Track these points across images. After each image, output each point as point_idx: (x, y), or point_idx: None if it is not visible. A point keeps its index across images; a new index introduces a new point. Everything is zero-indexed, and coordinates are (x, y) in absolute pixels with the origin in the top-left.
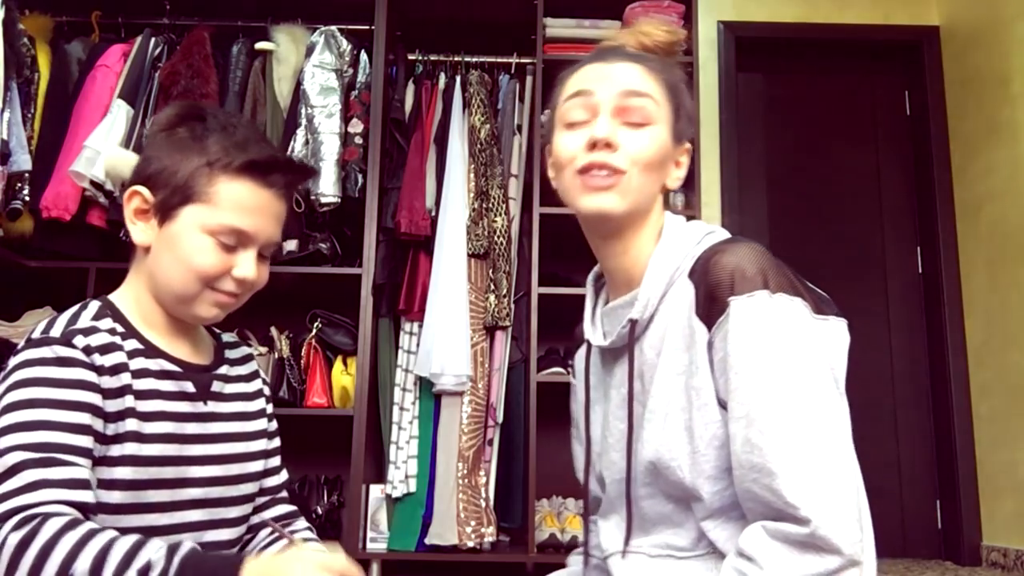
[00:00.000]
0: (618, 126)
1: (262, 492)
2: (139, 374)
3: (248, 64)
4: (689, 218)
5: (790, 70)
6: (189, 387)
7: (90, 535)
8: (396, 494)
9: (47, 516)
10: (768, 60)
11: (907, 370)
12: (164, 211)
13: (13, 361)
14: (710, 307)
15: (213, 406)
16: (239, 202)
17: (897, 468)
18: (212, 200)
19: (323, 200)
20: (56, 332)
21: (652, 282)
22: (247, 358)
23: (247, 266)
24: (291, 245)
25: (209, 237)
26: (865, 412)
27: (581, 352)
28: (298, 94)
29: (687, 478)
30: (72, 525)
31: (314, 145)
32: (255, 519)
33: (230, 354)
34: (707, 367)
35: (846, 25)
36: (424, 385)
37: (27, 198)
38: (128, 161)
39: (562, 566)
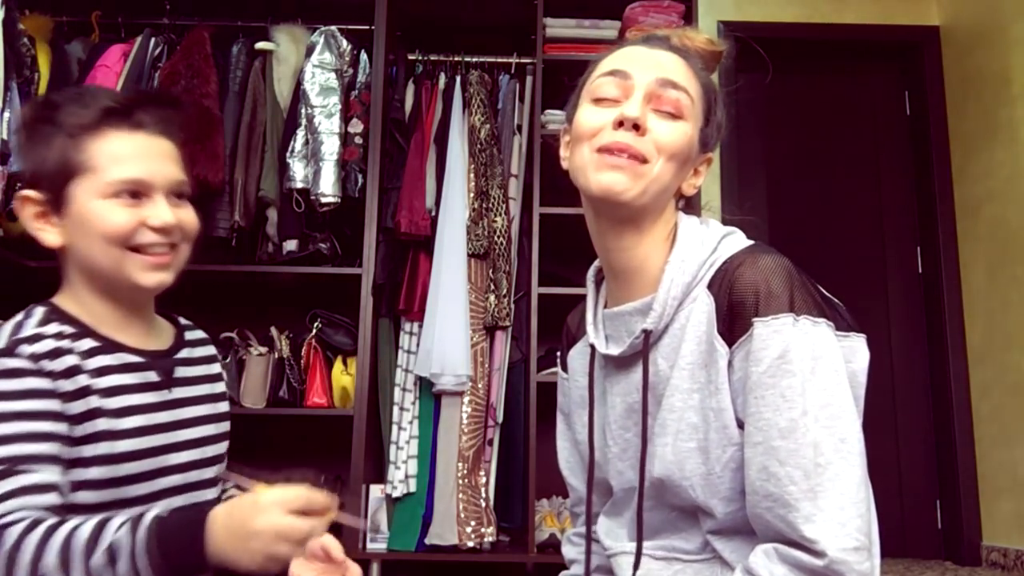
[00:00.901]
0: (649, 112)
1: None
2: (100, 372)
3: (248, 64)
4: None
5: (790, 70)
6: (153, 376)
7: (51, 531)
8: (396, 494)
9: (5, 527)
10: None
11: (907, 370)
12: (57, 201)
13: None
14: (732, 325)
15: (180, 392)
16: (115, 155)
17: (897, 468)
18: (91, 166)
19: (323, 200)
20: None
21: (668, 291)
22: (205, 340)
23: (160, 211)
24: (291, 245)
25: (107, 200)
26: (865, 412)
27: (581, 350)
28: (298, 94)
29: (700, 497)
30: (32, 527)
31: (314, 145)
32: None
33: (190, 336)
34: (727, 387)
35: (846, 25)
36: (424, 385)
37: None
38: None
39: (563, 567)
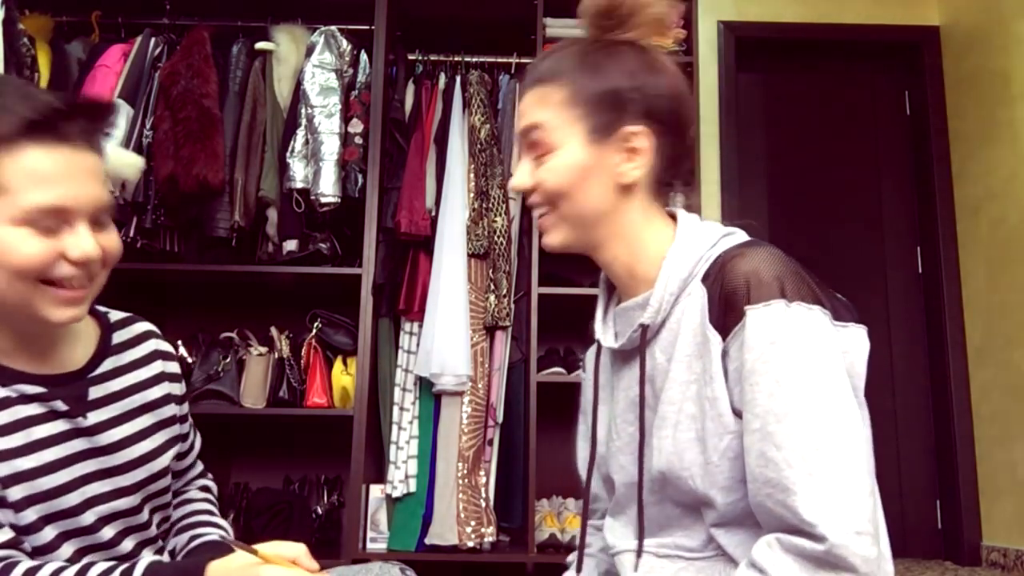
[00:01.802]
0: (533, 163)
1: (176, 475)
2: None
3: (248, 64)
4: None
5: (790, 70)
6: (60, 406)
7: (32, 572)
8: (396, 494)
9: None
10: (768, 60)
11: (907, 370)
12: None
13: None
14: (725, 315)
15: (96, 415)
16: (35, 174)
17: (897, 468)
18: (3, 186)
19: (323, 200)
20: None
21: (665, 285)
22: (142, 337)
23: (82, 242)
24: (291, 245)
25: (20, 228)
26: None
27: (592, 349)
28: (298, 94)
29: (699, 488)
30: (7, 569)
31: (314, 145)
32: (182, 512)
33: (118, 338)
34: (722, 377)
35: (846, 25)
36: (424, 385)
37: None
38: (129, 161)
39: (563, 567)
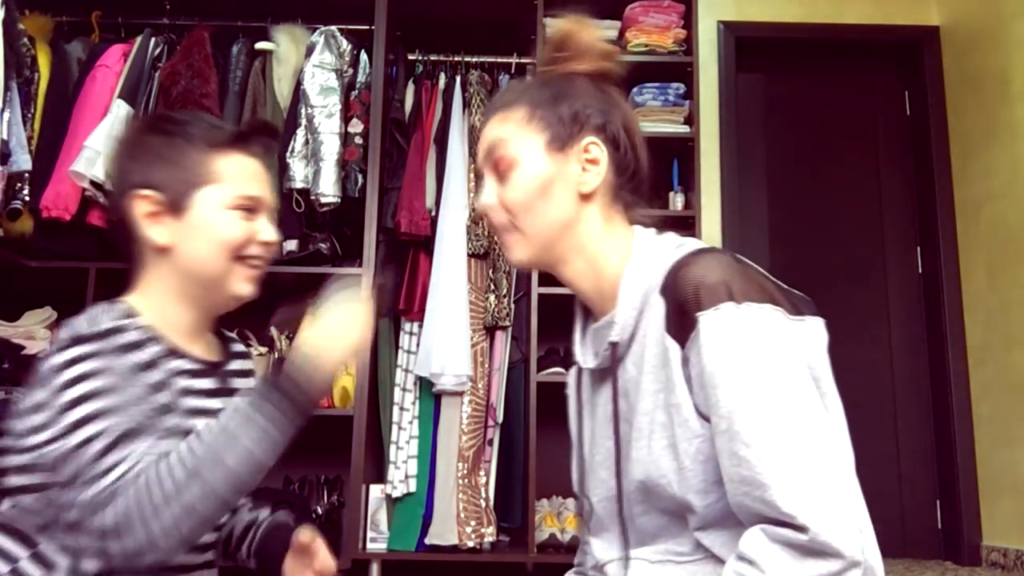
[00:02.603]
0: (496, 180)
1: None
2: (174, 372)
3: (248, 64)
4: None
5: (790, 70)
6: (214, 384)
7: (163, 458)
8: (396, 494)
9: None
10: (768, 60)
11: (907, 370)
12: (177, 205)
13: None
14: (680, 324)
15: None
16: (241, 172)
17: (897, 468)
18: (218, 178)
19: (323, 200)
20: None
21: (626, 302)
22: (246, 354)
23: (269, 229)
24: (291, 245)
25: (230, 211)
26: (865, 412)
27: (574, 370)
28: (298, 94)
29: (678, 493)
30: (150, 465)
31: (314, 145)
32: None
33: (234, 348)
34: (683, 383)
35: (846, 25)
36: (424, 385)
37: (27, 198)
38: None
39: (563, 567)
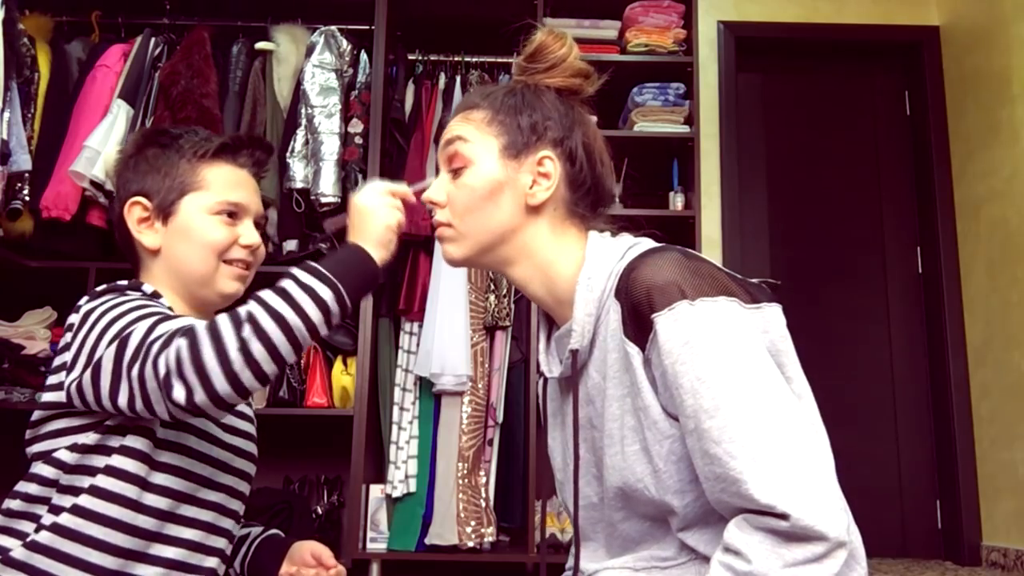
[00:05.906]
0: (450, 175)
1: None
2: None
3: (248, 64)
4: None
5: (790, 70)
6: None
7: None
8: (396, 494)
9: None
10: (768, 60)
11: (907, 370)
12: (165, 210)
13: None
14: (637, 327)
15: (229, 420)
16: (225, 180)
17: (897, 468)
18: (203, 186)
19: (323, 200)
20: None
21: (582, 308)
22: None
23: (250, 233)
24: (291, 245)
25: (213, 216)
26: (865, 412)
27: (542, 380)
28: (298, 94)
29: (656, 496)
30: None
31: (314, 145)
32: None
33: None
34: (648, 386)
35: (846, 25)
36: (424, 385)
37: (27, 198)
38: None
39: (563, 567)
